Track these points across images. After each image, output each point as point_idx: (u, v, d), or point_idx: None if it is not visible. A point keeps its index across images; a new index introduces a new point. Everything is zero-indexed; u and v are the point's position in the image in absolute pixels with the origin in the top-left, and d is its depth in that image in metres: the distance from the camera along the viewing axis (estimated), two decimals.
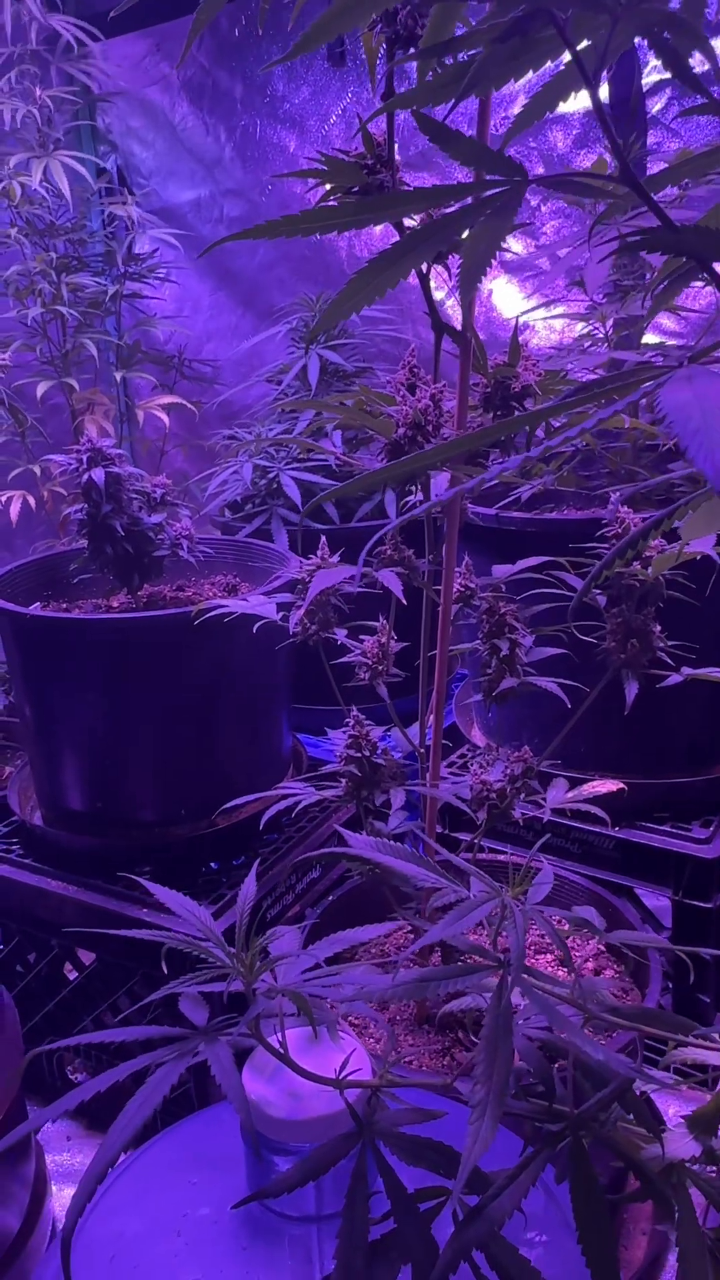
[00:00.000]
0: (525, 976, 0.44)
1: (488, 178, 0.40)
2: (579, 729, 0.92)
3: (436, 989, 0.43)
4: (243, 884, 0.49)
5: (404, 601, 0.79)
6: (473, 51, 0.42)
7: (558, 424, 0.79)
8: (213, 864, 1.25)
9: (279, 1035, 0.45)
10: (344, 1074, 0.46)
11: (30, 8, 1.63)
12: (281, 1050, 0.45)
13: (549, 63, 0.42)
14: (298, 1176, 0.41)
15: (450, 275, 0.73)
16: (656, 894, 1.24)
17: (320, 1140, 0.45)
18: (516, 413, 0.83)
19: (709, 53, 0.37)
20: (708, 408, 0.25)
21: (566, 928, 1.11)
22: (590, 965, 1.06)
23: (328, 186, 0.76)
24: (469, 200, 0.42)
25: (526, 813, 0.91)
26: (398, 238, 0.50)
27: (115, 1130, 0.38)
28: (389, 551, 0.87)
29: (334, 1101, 0.46)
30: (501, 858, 1.20)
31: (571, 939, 1.10)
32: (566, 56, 0.41)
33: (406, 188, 0.80)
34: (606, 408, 0.31)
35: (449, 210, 0.46)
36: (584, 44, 0.40)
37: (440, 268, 0.79)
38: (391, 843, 0.54)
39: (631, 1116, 0.46)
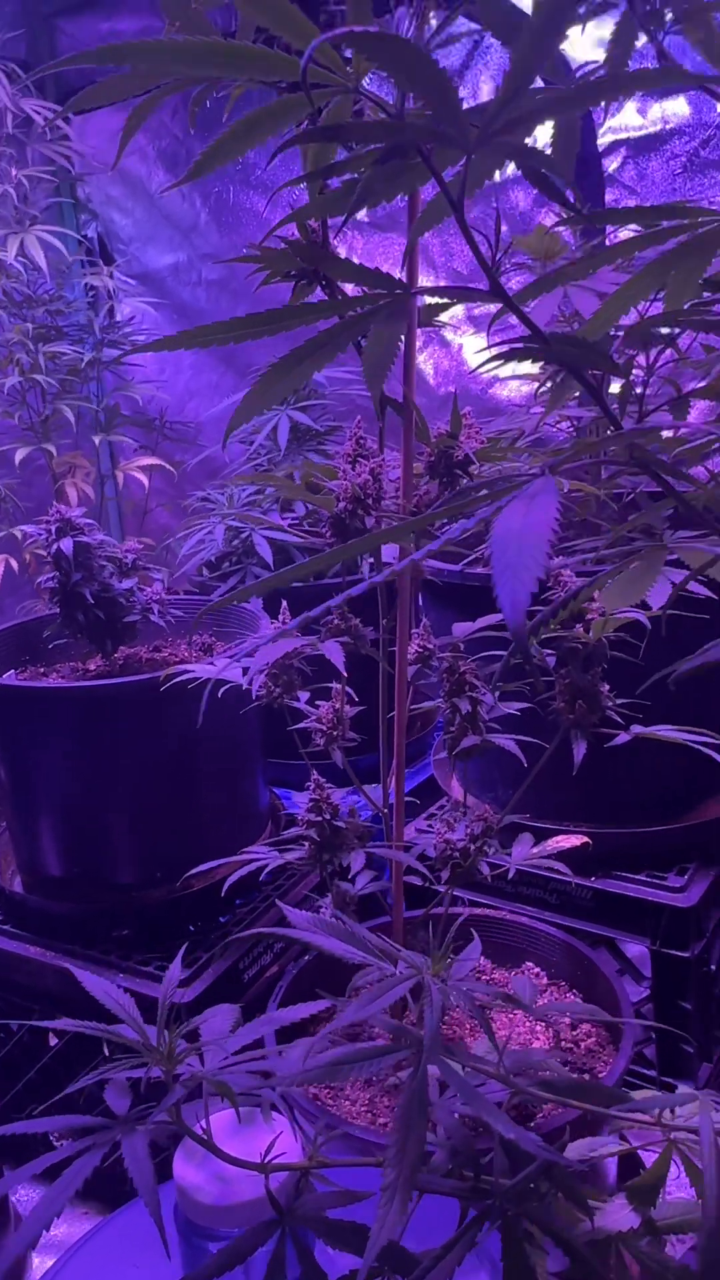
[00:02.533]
0: (443, 1056, 0.45)
1: (374, 291, 0.42)
2: (551, 780, 0.93)
3: (349, 1073, 0.43)
4: (168, 968, 0.49)
5: (344, 674, 0.81)
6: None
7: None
8: (199, 923, 1.26)
9: (203, 1121, 0.46)
10: (271, 1157, 0.47)
11: (8, 90, 1.69)
12: (206, 1136, 0.46)
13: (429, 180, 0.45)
14: (216, 1266, 0.41)
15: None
16: (638, 942, 1.24)
17: (248, 1225, 0.46)
18: (461, 478, 0.85)
19: (567, 176, 0.39)
20: (524, 544, 0.26)
21: (560, 997, 1.11)
22: (567, 1020, 1.06)
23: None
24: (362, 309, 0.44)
25: (501, 863, 0.92)
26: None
27: (26, 1225, 0.39)
28: (335, 621, 0.88)
29: (262, 1185, 0.47)
30: (479, 910, 1.20)
31: (548, 994, 1.10)
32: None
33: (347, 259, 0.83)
34: (472, 517, 0.33)
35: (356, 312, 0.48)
36: (462, 162, 0.43)
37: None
38: (326, 919, 0.54)
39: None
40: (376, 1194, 0.50)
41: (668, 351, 0.95)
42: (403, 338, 0.79)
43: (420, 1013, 0.47)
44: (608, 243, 1.49)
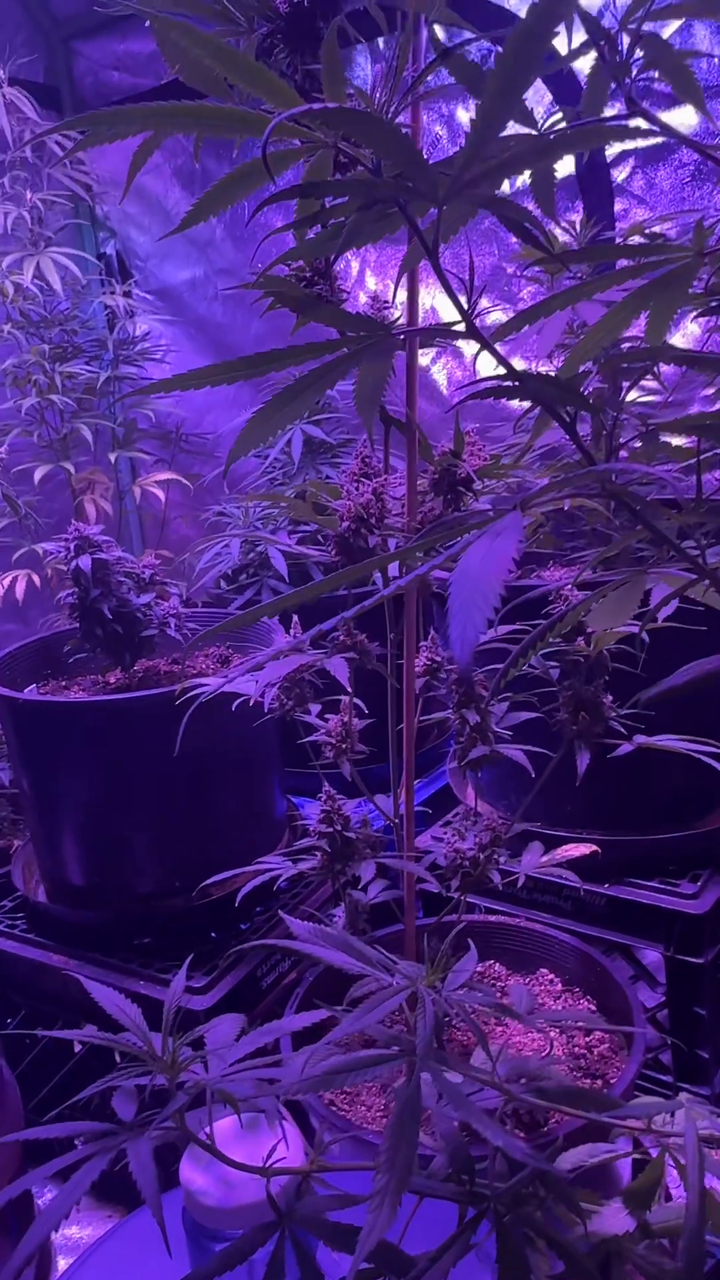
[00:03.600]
0: (437, 1065, 0.46)
1: (353, 334, 0.44)
2: (565, 788, 0.94)
3: (345, 1080, 0.45)
4: (173, 978, 0.51)
5: (349, 689, 0.82)
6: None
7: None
8: (219, 930, 1.28)
9: (207, 1127, 0.48)
10: (272, 1161, 0.49)
11: (28, 114, 1.73)
12: (209, 1141, 0.48)
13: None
14: (217, 1266, 0.43)
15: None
16: (654, 948, 1.25)
17: (251, 1227, 0.48)
18: (464, 495, 0.87)
19: (537, 225, 0.41)
20: (478, 588, 0.28)
21: (567, 1005, 1.12)
22: (581, 1026, 1.07)
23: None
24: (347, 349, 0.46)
25: (511, 871, 0.93)
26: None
27: (37, 1225, 0.41)
28: (341, 636, 0.90)
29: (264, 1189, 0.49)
30: (493, 918, 1.21)
31: (562, 1000, 1.11)
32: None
33: (345, 293, 0.85)
34: (439, 556, 0.35)
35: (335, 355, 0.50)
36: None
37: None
38: (327, 930, 0.56)
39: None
40: (369, 1199, 0.52)
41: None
42: (402, 360, 0.81)
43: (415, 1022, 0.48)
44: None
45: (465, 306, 0.40)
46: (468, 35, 0.47)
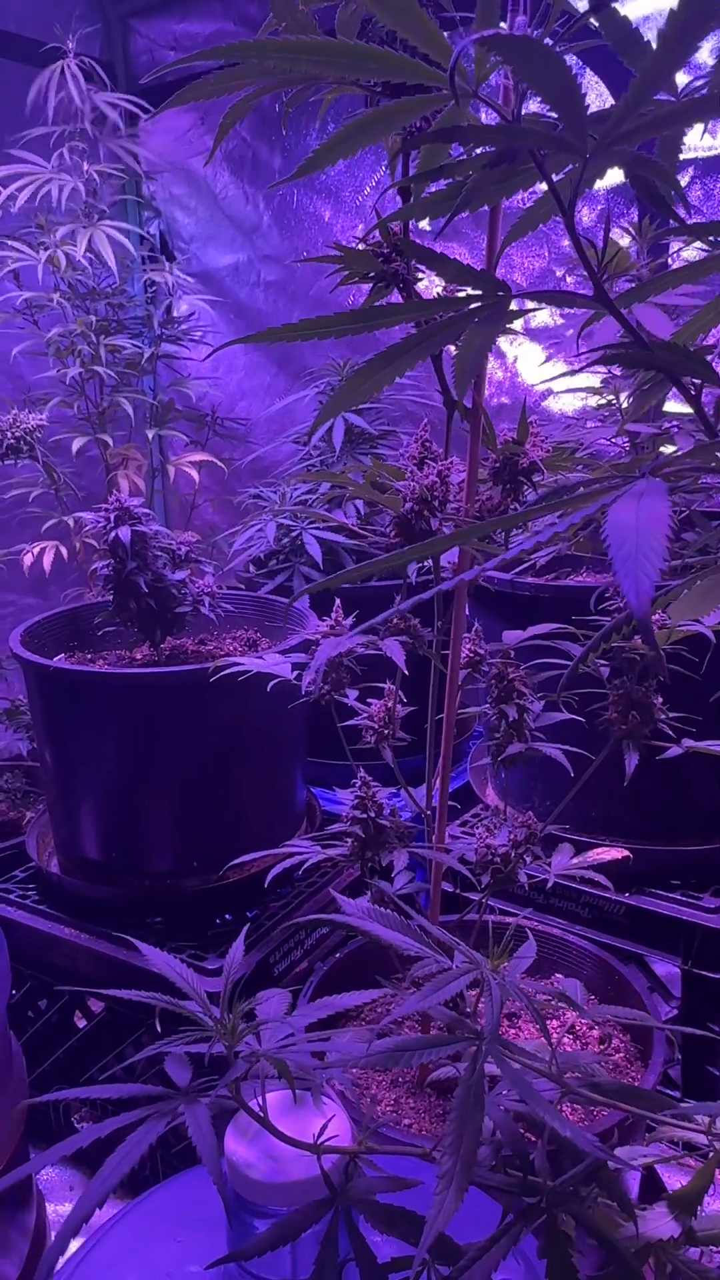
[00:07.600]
0: (500, 1049, 0.45)
1: (473, 292, 0.43)
2: (592, 793, 0.93)
3: (411, 1059, 0.44)
4: (230, 949, 0.50)
5: (405, 671, 0.81)
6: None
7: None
8: (227, 915, 1.27)
9: (259, 1098, 0.47)
10: (323, 1139, 0.47)
11: (82, 87, 1.73)
12: (261, 1113, 0.46)
13: (537, 183, 0.45)
14: (269, 1241, 0.42)
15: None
16: (668, 961, 1.24)
17: (297, 1204, 0.46)
18: (524, 485, 0.86)
19: (676, 187, 0.40)
20: (643, 536, 0.27)
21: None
22: (596, 1033, 1.06)
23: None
24: (457, 311, 0.45)
25: (535, 874, 0.92)
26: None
27: (91, 1189, 0.40)
28: (395, 620, 0.89)
29: (313, 1166, 0.48)
30: (509, 920, 1.20)
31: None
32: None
33: (420, 274, 0.83)
34: (563, 520, 0.33)
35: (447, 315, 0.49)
36: (567, 169, 0.44)
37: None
38: (382, 910, 0.55)
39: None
40: (422, 1183, 0.50)
41: None
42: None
43: (475, 1006, 0.47)
44: (669, 261, 1.49)
45: (595, 269, 0.39)
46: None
